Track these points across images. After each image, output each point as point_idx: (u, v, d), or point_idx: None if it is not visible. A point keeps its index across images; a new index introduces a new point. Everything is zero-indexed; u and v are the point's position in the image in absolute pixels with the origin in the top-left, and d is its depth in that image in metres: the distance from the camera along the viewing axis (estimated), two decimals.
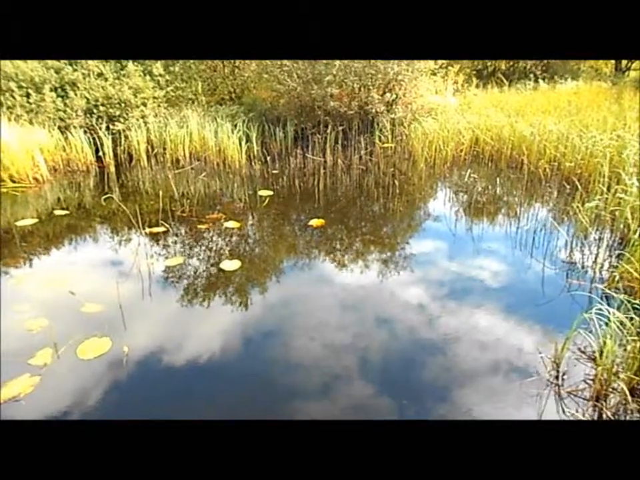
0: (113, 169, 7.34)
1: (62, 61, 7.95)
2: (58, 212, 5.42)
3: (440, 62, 9.40)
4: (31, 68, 7.54)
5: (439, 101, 9.36)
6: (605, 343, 2.49)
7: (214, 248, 4.43)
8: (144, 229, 4.71)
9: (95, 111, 7.68)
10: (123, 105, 7.81)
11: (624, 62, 14.57)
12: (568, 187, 5.74)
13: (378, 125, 8.42)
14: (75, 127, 7.35)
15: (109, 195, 5.84)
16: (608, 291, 3.32)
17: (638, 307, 2.74)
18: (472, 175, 6.58)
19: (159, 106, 8.21)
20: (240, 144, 7.57)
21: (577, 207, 4.30)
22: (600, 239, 4.34)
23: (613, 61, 14.88)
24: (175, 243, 4.56)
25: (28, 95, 7.39)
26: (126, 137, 7.64)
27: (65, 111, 7.47)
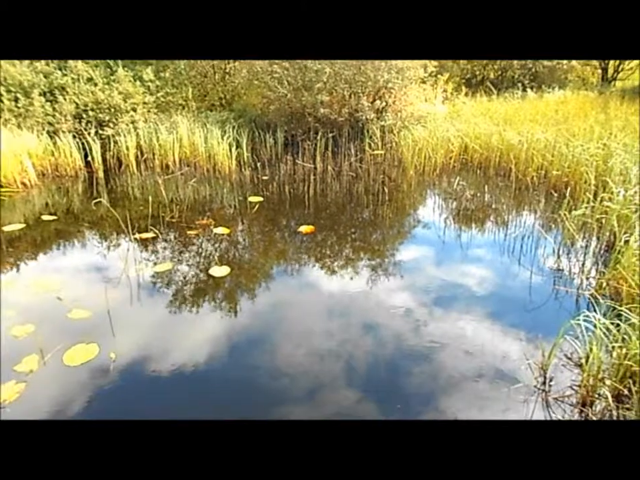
0: (101, 174, 7.30)
1: (51, 66, 7.91)
2: (46, 217, 5.38)
3: (429, 70, 9.45)
4: (20, 72, 7.49)
5: (429, 109, 9.43)
6: (591, 349, 2.51)
7: (203, 254, 4.41)
8: (133, 234, 4.68)
9: (84, 115, 7.64)
10: (112, 110, 7.77)
11: (610, 72, 14.78)
12: (555, 194, 5.80)
13: (368, 132, 8.46)
14: (63, 132, 7.30)
15: (98, 200, 5.80)
16: (594, 298, 3.36)
17: (623, 313, 2.77)
18: (461, 183, 6.63)
19: (148, 111, 8.19)
20: (230, 150, 7.56)
21: (564, 214, 4.35)
22: (587, 246, 4.39)
23: (599, 71, 15.09)
24: (164, 248, 4.54)
25: (16, 99, 7.33)
26: (115, 142, 7.60)
27: (53, 116, 7.43)
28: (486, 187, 6.54)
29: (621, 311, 2.79)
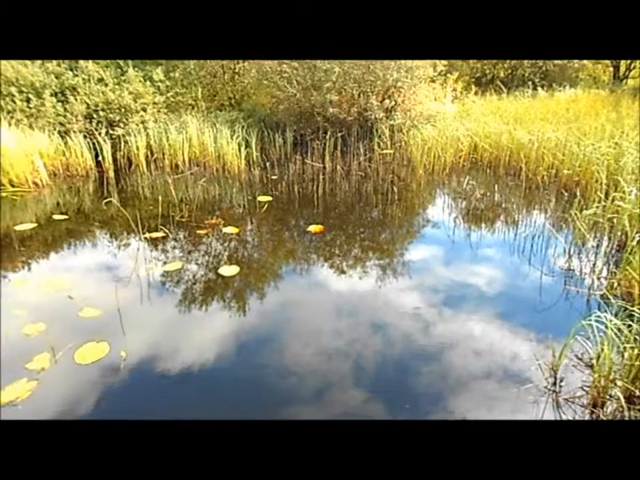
0: (112, 173, 7.36)
1: (62, 66, 7.98)
2: (57, 216, 5.43)
3: (439, 69, 9.42)
4: (32, 73, 7.57)
5: (438, 108, 9.40)
6: (602, 349, 2.49)
7: (212, 253, 4.43)
8: (143, 233, 4.71)
9: (95, 115, 7.71)
10: (122, 110, 7.83)
11: (622, 70, 14.66)
12: (566, 194, 5.75)
13: (377, 131, 8.45)
14: (74, 132, 7.37)
15: (109, 199, 5.85)
16: (606, 298, 3.33)
17: (635, 313, 2.74)
18: (470, 182, 6.60)
19: (158, 111, 8.24)
20: (239, 150, 7.59)
21: (575, 214, 4.31)
22: (598, 246, 4.35)
23: (611, 69, 14.97)
24: (174, 248, 4.56)
25: (28, 100, 7.40)
26: (126, 142, 7.65)
27: (65, 116, 7.49)
28: (496, 186, 6.51)
29: (633, 311, 2.76)
